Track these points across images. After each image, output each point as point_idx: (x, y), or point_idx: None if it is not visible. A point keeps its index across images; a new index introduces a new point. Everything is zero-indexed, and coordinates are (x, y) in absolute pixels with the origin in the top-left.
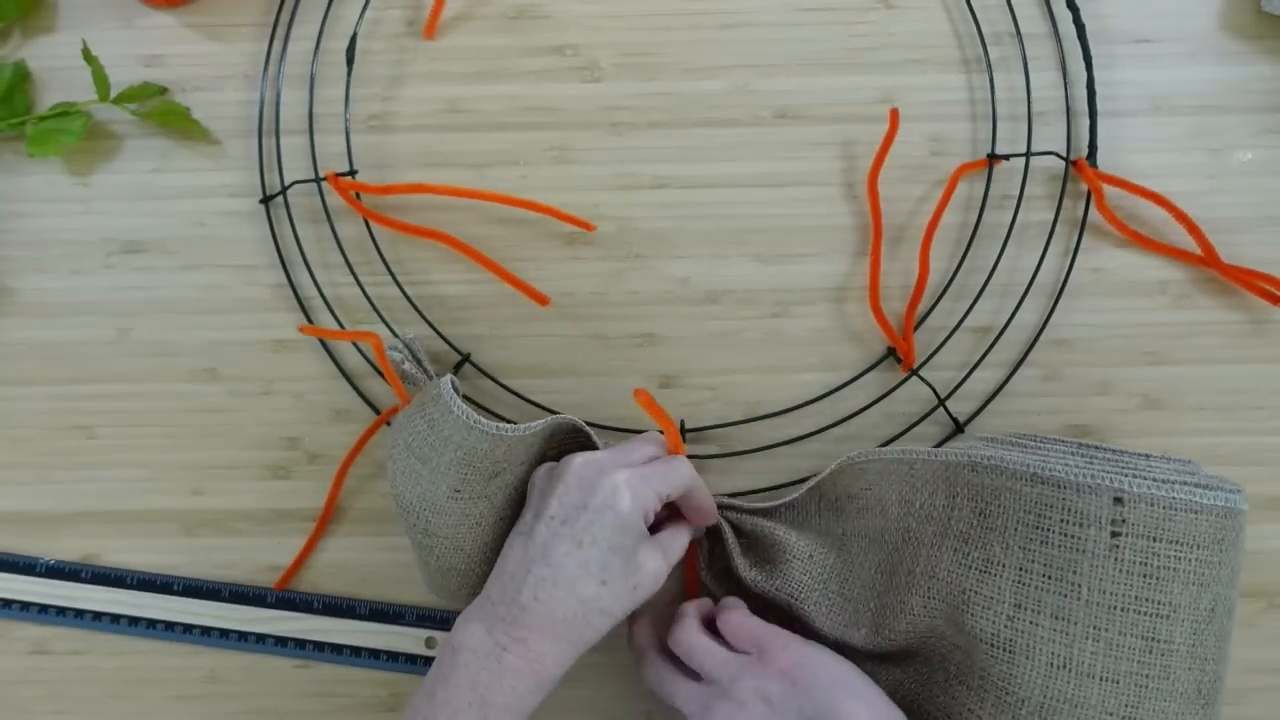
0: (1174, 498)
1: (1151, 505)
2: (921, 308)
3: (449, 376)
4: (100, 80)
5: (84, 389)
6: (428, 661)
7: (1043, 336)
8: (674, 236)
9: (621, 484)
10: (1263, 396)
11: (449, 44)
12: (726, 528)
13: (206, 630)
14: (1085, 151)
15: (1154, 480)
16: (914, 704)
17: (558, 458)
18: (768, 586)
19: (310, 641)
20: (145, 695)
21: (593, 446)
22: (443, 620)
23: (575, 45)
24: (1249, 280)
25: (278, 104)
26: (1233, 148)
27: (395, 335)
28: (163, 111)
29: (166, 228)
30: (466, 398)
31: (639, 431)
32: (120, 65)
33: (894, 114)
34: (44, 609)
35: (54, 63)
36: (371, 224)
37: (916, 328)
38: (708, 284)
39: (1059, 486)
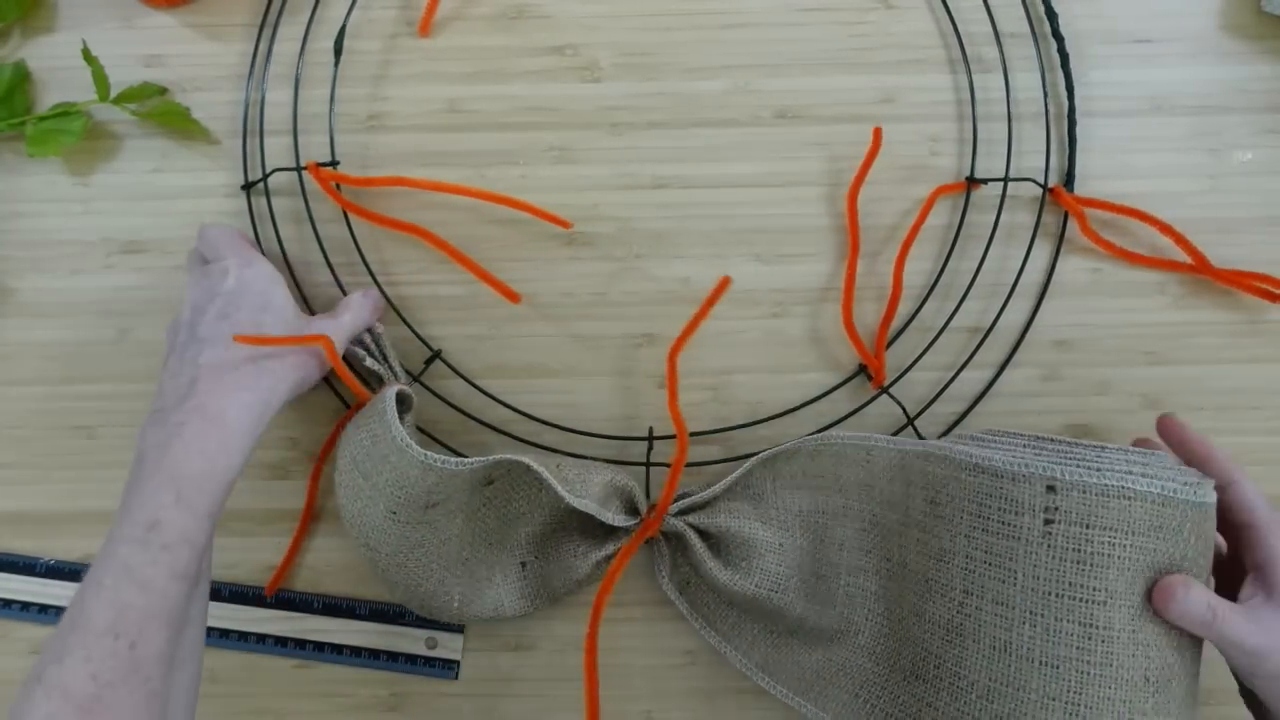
0: (1105, 484)
1: (1084, 492)
2: (905, 313)
3: (395, 388)
4: (100, 80)
5: (84, 389)
6: (428, 661)
7: (1034, 338)
8: (674, 236)
9: (232, 266)
10: (1262, 396)
11: (448, 44)
12: (692, 534)
13: (206, 630)
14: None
15: (1092, 468)
16: (876, 706)
17: (508, 493)
18: (746, 585)
19: (310, 641)
20: None
21: (548, 488)
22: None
23: (575, 45)
24: (1245, 282)
25: (262, 103)
26: (1233, 148)
27: (370, 330)
28: (162, 111)
29: (166, 228)
30: (445, 401)
31: (637, 438)
32: (120, 65)
33: (877, 133)
34: (44, 609)
35: (54, 63)
36: (351, 219)
37: (891, 343)
38: (708, 284)
39: (996, 475)
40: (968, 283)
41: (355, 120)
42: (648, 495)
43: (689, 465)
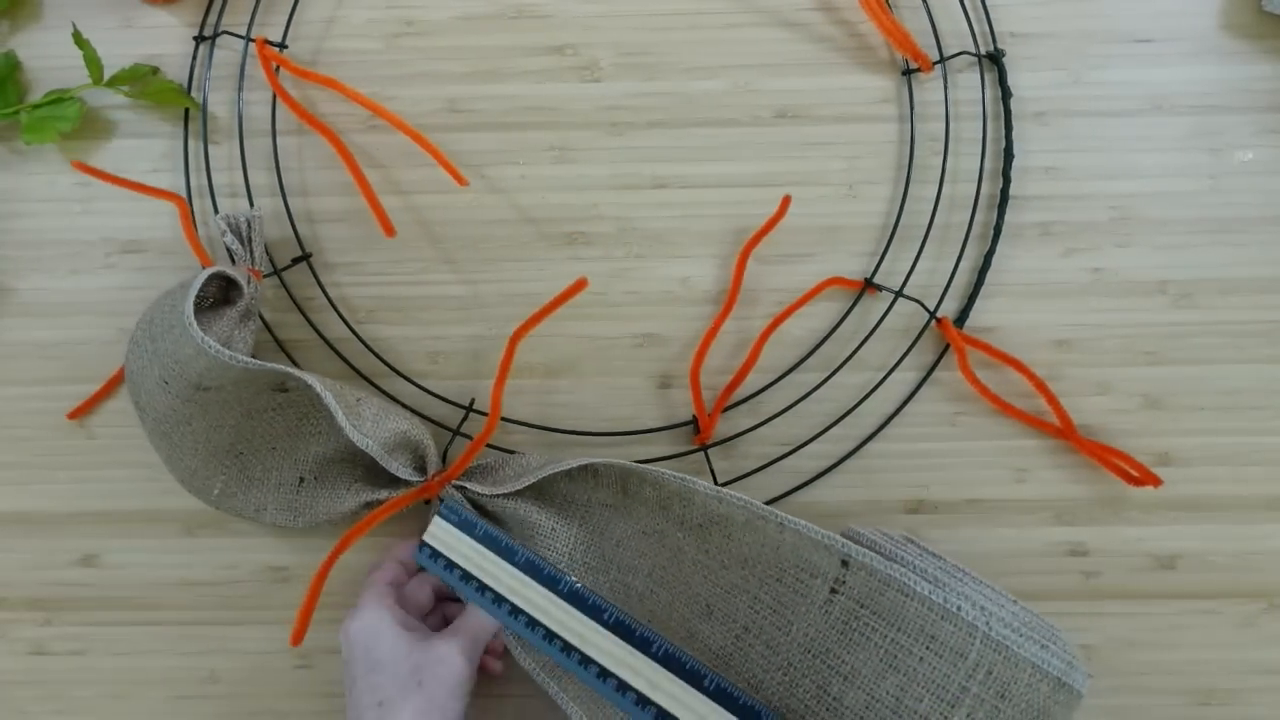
0: (889, 575)
1: (870, 575)
2: (759, 383)
3: (218, 269)
4: (93, 63)
5: (84, 389)
6: None
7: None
8: (674, 236)
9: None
10: (1263, 396)
11: (448, 43)
12: (468, 508)
13: None
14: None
15: (883, 556)
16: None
17: (307, 407)
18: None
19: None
20: (145, 695)
21: (331, 417)
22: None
23: (575, 45)
24: (1105, 457)
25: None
26: (1233, 148)
27: (250, 207)
28: (156, 90)
29: (166, 227)
30: (298, 307)
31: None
32: (120, 65)
33: (786, 201)
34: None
35: (46, 61)
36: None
37: (728, 408)
38: (708, 284)
39: (800, 536)
40: (838, 371)
41: (357, 119)
42: (443, 459)
43: (502, 449)
